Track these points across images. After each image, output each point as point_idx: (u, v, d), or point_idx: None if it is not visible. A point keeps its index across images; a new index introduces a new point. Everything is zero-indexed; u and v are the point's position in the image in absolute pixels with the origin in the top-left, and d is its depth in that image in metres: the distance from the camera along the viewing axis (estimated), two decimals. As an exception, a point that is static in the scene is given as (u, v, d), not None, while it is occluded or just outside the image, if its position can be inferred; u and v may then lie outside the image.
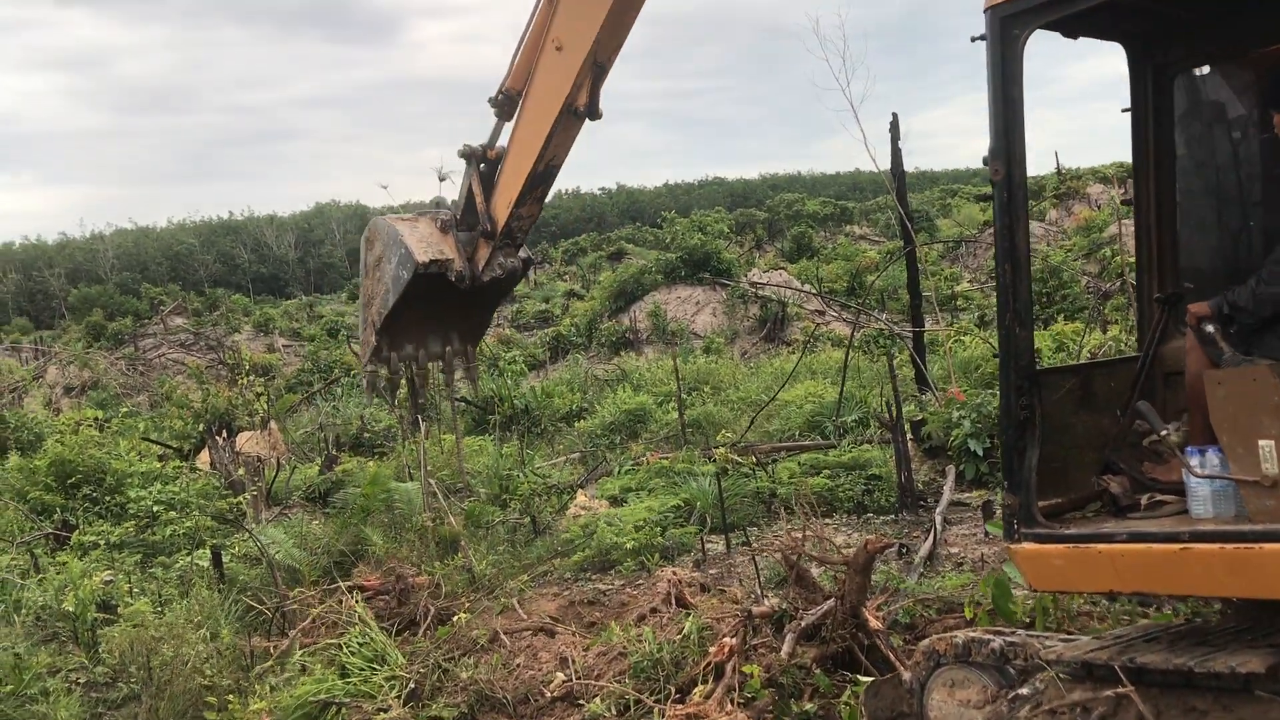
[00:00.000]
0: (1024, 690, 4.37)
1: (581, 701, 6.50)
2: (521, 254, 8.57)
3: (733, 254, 41.16)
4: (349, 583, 9.69)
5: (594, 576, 10.48)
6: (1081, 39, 5.48)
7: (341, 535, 11.33)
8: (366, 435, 20.60)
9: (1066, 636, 5.50)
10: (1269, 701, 3.92)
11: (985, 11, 4.75)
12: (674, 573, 9.42)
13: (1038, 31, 4.80)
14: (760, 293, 34.47)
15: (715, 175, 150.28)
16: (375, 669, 7.36)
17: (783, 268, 41.34)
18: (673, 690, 6.13)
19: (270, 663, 8.07)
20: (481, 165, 8.23)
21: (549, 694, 6.72)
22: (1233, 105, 5.62)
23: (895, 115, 18.65)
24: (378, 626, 8.21)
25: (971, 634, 5.47)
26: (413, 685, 7.04)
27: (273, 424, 19.59)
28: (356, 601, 8.78)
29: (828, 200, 68.55)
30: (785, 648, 6.13)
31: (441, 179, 15.01)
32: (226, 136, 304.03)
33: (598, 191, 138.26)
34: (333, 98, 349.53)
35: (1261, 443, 4.15)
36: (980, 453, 12.37)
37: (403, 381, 8.60)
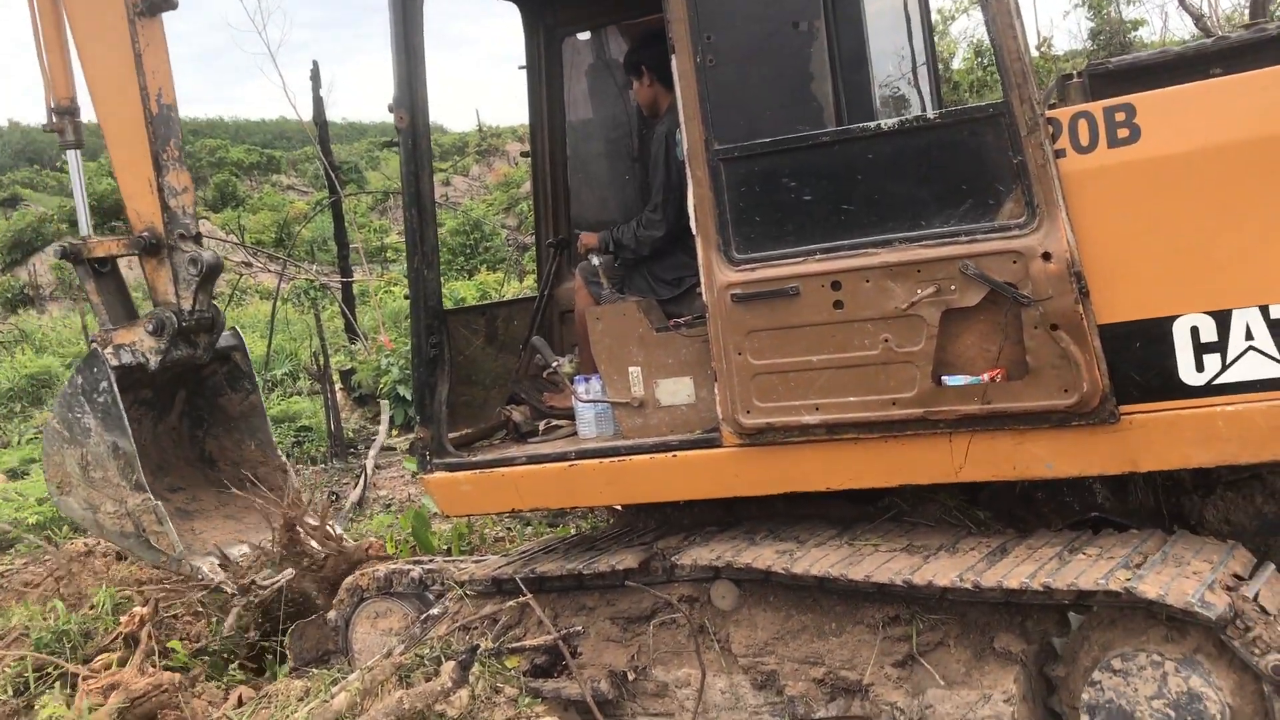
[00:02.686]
0: (435, 610, 4.64)
1: (-28, 692, 5.86)
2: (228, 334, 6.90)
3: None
4: None
5: (-11, 558, 9.41)
6: None
7: None
8: None
9: (479, 559, 5.92)
10: (640, 592, 4.53)
11: None
12: (85, 544, 8.76)
13: None
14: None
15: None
16: None
17: (206, 217, 39.09)
18: (80, 663, 5.73)
19: None
20: (94, 261, 6.59)
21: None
22: (615, 68, 6.24)
23: (315, 63, 18.46)
24: None
25: (392, 566, 5.68)
26: None
27: None
28: None
29: (253, 148, 65.66)
30: (230, 620, 5.88)
31: None
32: None
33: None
34: None
35: (630, 369, 4.66)
36: (409, 398, 12.77)
37: None
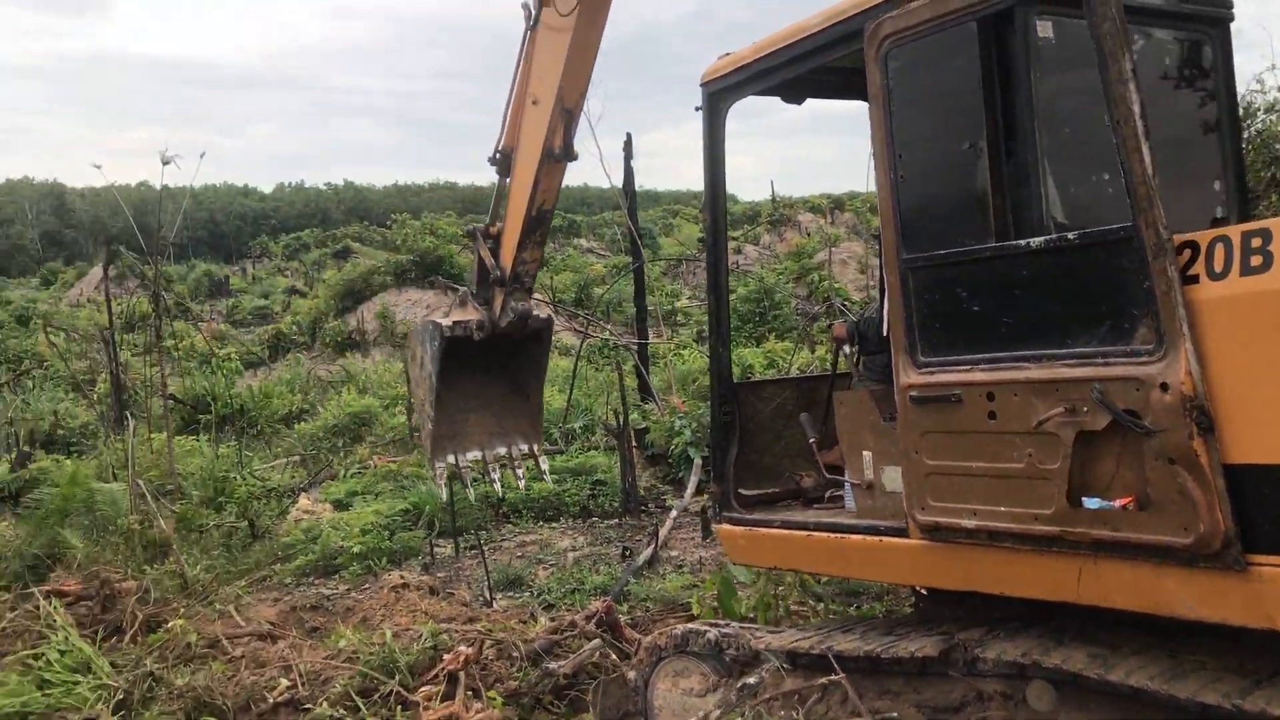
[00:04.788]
0: (751, 680, 4.69)
1: (308, 706, 6.38)
2: (541, 314, 9.47)
3: (465, 260, 40.91)
4: (45, 588, 9.02)
5: (317, 581, 10.24)
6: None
7: (36, 538, 10.51)
8: (61, 432, 19.14)
9: (773, 629, 5.94)
10: (949, 681, 4.42)
11: (701, 85, 5.59)
12: (401, 576, 9.38)
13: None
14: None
15: (446, 179, 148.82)
16: (79, 678, 6.91)
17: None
18: (404, 693, 6.12)
19: (-48, 675, 7.42)
20: (487, 239, 9.31)
21: (272, 699, 6.55)
22: None
23: (629, 135, 19.20)
24: (79, 634, 7.70)
25: (689, 626, 5.80)
26: (122, 694, 6.66)
27: (-47, 417, 17.85)
28: (54, 608, 8.20)
29: (557, 212, 69.23)
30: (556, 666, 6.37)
31: (165, 163, 14.27)
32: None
33: (323, 187, 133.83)
34: (31, 68, 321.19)
35: (864, 453, 4.92)
36: (700, 461, 12.96)
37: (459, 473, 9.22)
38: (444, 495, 10.05)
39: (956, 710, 4.40)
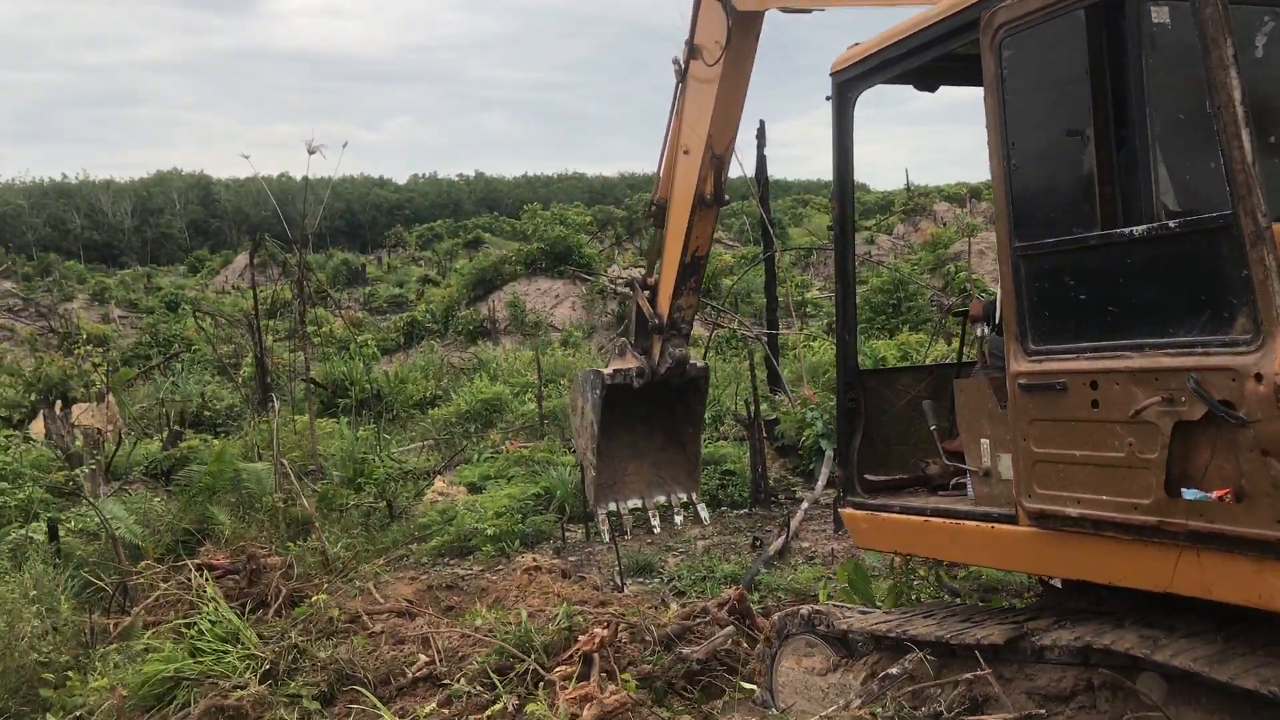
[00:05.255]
0: (894, 670, 4.62)
1: (445, 681, 6.47)
2: (699, 364, 10.32)
3: (594, 249, 41.26)
4: (195, 561, 9.37)
5: (452, 561, 10.42)
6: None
7: (186, 513, 10.96)
8: (208, 413, 19.92)
9: (865, 609, 6.04)
10: (1062, 669, 4.44)
11: (830, 75, 5.63)
12: (534, 559, 9.47)
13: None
14: (620, 288, 34.61)
15: (575, 170, 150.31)
16: (228, 648, 7.16)
17: (642, 266, 41.52)
18: (540, 673, 6.16)
19: (112, 639, 7.77)
20: (644, 289, 10.01)
21: (411, 674, 6.67)
22: None
23: (762, 122, 19.07)
24: (228, 606, 7.98)
25: (795, 606, 5.98)
26: (268, 664, 6.88)
27: (110, 397, 18.74)
28: (205, 580, 8.51)
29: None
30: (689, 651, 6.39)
31: (311, 153, 14.67)
32: (67, 96, 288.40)
33: (455, 178, 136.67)
34: (183, 63, 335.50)
35: (983, 440, 4.90)
36: (831, 453, 12.75)
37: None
38: (606, 537, 10.49)
39: (1067, 699, 4.40)
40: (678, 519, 10.56)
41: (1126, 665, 4.15)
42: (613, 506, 10.84)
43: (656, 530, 9.11)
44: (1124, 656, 4.12)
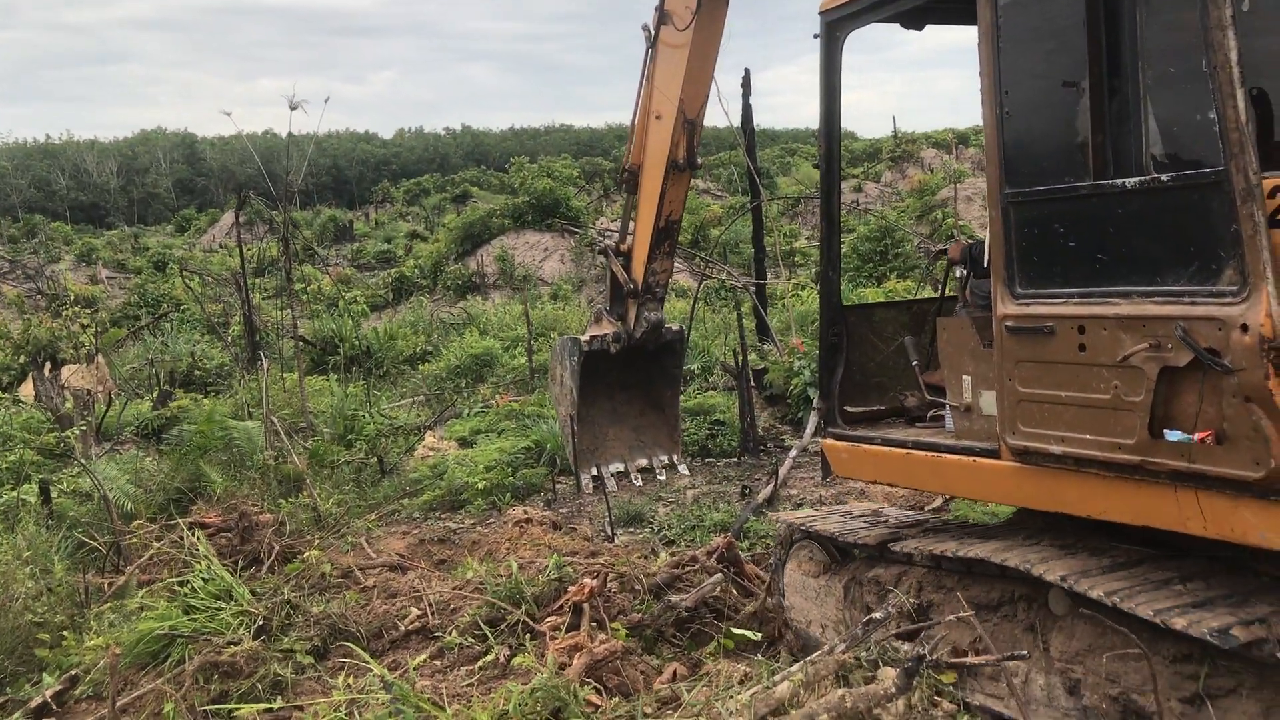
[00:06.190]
0: (878, 614, 4.74)
1: (438, 634, 6.55)
2: (674, 327, 10.40)
3: (581, 201, 41.08)
4: (188, 520, 9.43)
5: (443, 516, 10.49)
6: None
7: (178, 472, 10.99)
8: (198, 372, 19.91)
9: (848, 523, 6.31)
10: (990, 581, 4.83)
11: (819, 14, 5.66)
12: (524, 511, 9.53)
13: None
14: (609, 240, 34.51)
15: (562, 122, 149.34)
16: (221, 605, 7.23)
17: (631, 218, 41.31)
18: (530, 623, 6.24)
19: (106, 599, 7.83)
20: (618, 256, 10.09)
21: (403, 627, 6.75)
22: None
23: (747, 71, 18.86)
24: (220, 564, 8.04)
25: (808, 514, 6.49)
26: (262, 620, 6.94)
27: (99, 358, 18.70)
28: (198, 538, 8.57)
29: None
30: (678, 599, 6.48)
31: (293, 109, 14.55)
32: (46, 56, 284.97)
33: (441, 132, 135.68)
34: (163, 20, 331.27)
35: (964, 377, 5.07)
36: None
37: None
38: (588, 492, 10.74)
39: (995, 609, 4.81)
40: (660, 479, 10.65)
41: (1038, 582, 4.49)
42: (595, 471, 10.95)
43: (639, 486, 9.22)
44: (1030, 576, 4.45)
